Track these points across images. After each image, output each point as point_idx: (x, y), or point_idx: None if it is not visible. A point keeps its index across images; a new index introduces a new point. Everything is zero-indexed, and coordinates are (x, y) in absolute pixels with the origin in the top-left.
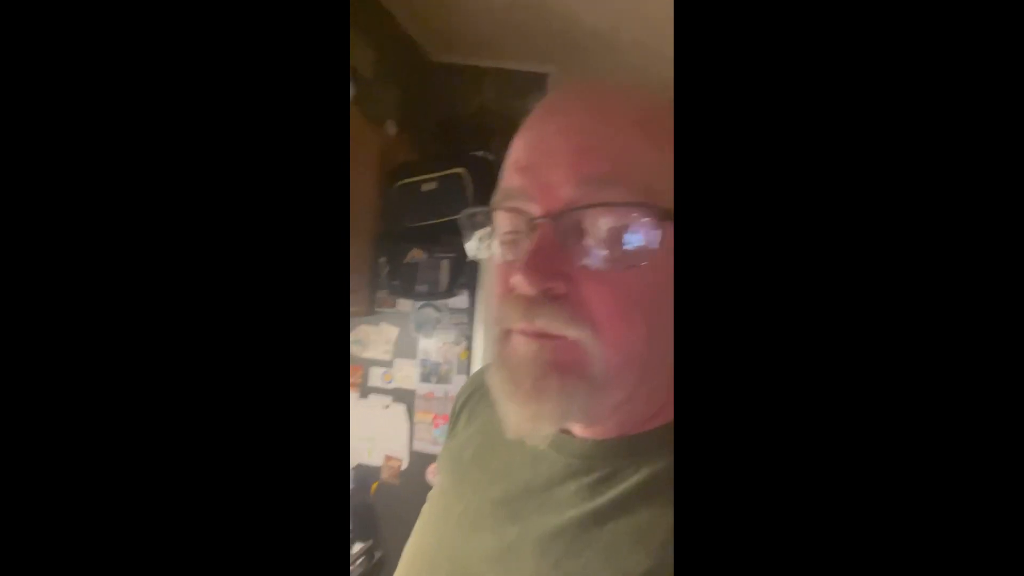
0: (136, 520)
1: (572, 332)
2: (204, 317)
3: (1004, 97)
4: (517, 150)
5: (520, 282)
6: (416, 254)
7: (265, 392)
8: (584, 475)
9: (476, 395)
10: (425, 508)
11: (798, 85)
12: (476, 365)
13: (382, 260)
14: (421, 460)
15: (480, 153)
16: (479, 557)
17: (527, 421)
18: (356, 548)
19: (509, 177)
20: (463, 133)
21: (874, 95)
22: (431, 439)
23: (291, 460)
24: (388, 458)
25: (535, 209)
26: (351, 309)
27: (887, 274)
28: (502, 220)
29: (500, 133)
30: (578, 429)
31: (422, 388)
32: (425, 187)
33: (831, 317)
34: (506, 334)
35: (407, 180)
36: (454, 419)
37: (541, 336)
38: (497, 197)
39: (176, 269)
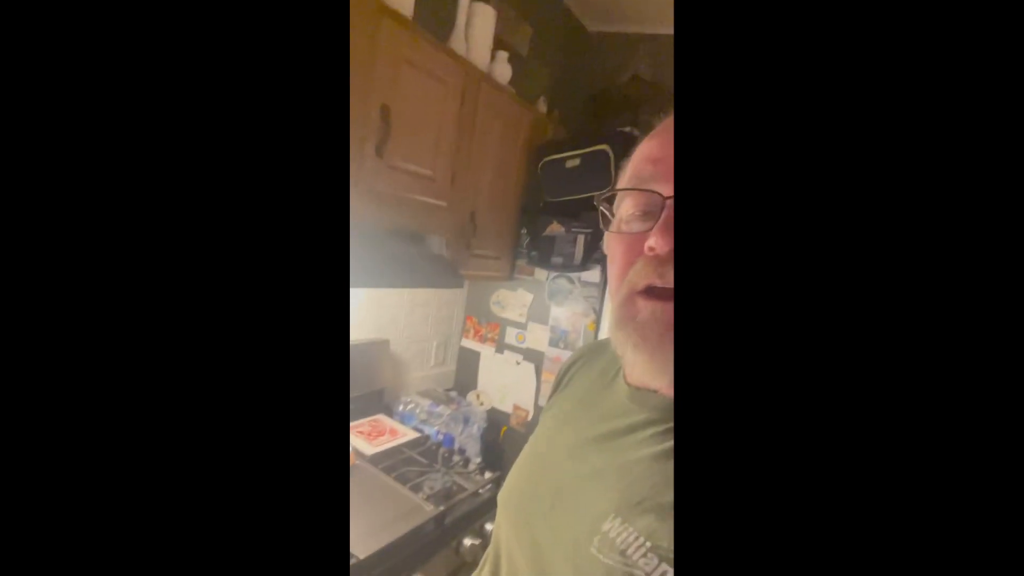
0: (135, 504)
1: None
2: (204, 311)
3: (984, 92)
4: (649, 147)
5: (657, 242)
6: (555, 228)
7: (267, 382)
8: (660, 424)
9: (579, 362)
10: (532, 438)
11: (795, 86)
12: (603, 336)
13: (523, 232)
14: None
15: (627, 129)
16: (576, 474)
17: (658, 366)
18: (487, 475)
19: (641, 167)
20: (612, 107)
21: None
22: None
23: (291, 448)
24: (516, 407)
25: (666, 190)
26: (494, 273)
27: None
28: (631, 200)
29: (650, 103)
30: (663, 387)
31: (551, 352)
32: (569, 163)
33: (830, 299)
34: (630, 298)
35: (553, 156)
36: (559, 379)
37: (666, 297)
38: (628, 182)
39: (178, 265)
